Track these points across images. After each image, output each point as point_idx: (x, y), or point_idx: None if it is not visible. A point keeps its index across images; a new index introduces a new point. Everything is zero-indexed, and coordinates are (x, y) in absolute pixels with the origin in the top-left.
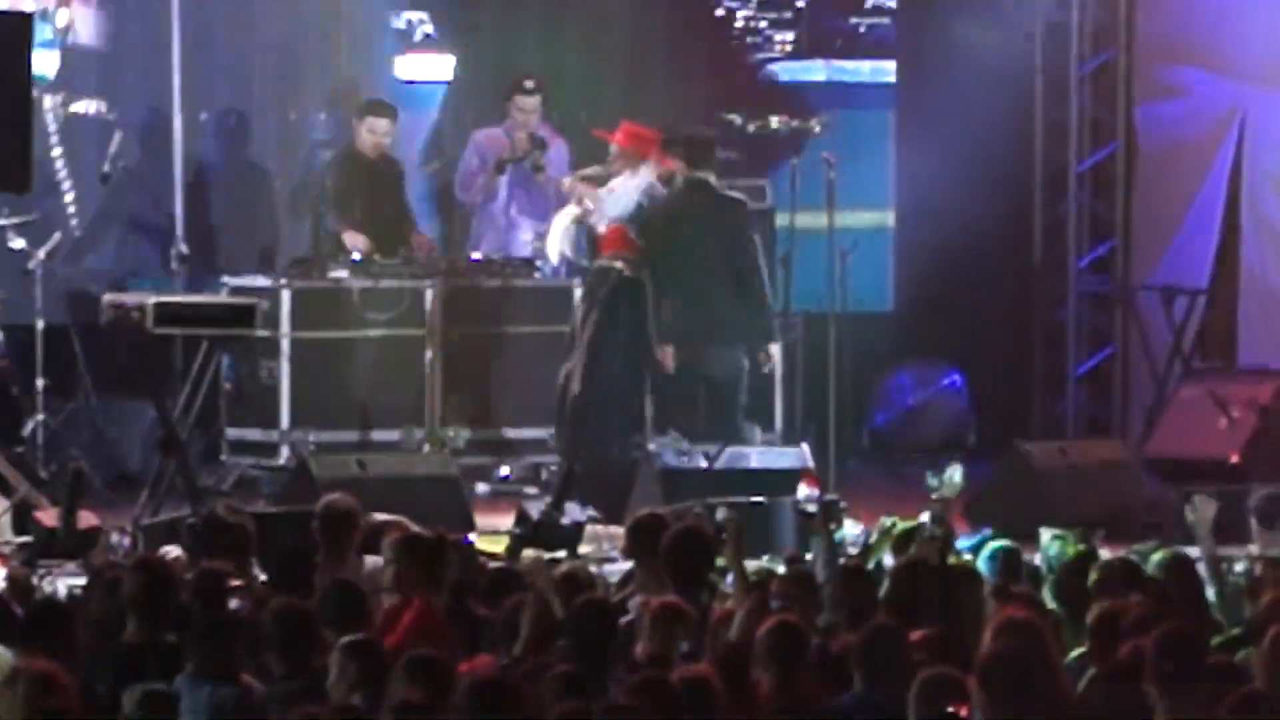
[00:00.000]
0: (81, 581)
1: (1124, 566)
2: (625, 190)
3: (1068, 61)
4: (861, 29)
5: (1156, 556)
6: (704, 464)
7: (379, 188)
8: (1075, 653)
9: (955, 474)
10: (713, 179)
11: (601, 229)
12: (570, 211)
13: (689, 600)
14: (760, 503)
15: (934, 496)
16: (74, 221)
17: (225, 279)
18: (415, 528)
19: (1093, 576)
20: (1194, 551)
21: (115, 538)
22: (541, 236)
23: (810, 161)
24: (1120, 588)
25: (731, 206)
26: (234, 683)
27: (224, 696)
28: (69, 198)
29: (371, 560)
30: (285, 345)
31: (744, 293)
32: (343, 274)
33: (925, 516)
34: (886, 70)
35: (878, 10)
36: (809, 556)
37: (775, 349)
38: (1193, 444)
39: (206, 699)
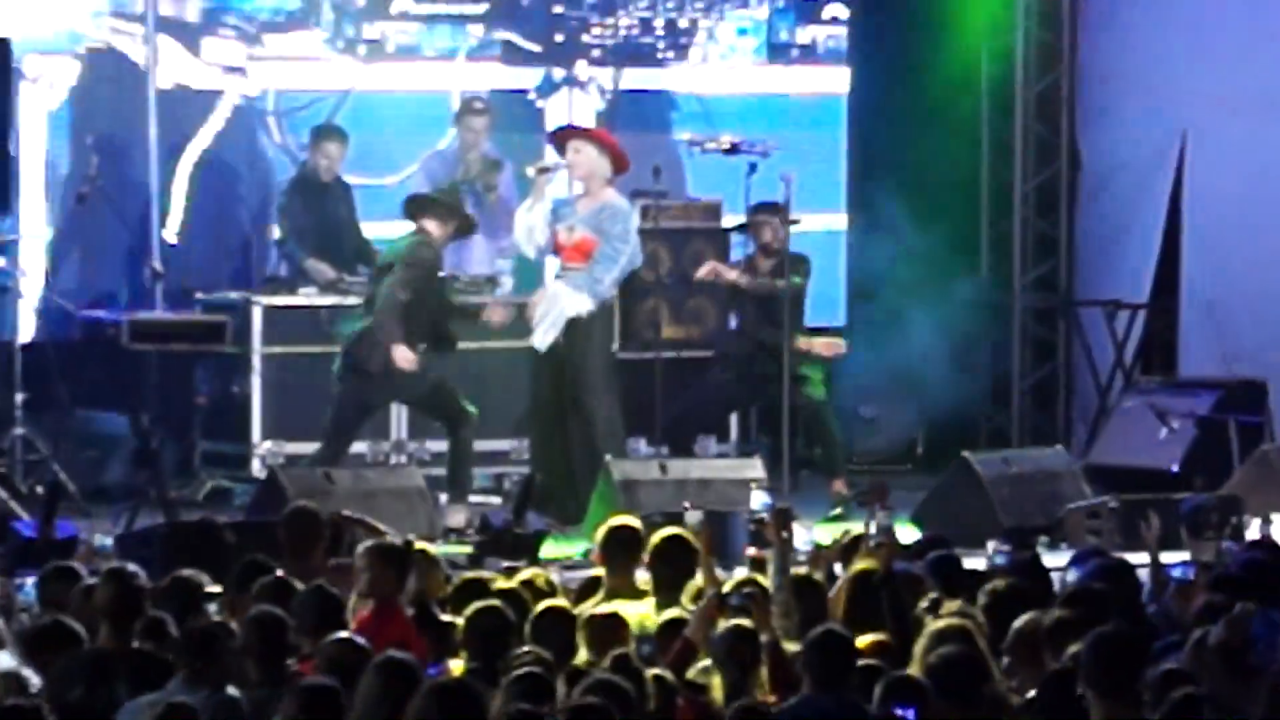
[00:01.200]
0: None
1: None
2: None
3: (1014, 84)
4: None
5: (1094, 563)
6: (660, 474)
7: (335, 210)
8: None
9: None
10: None
11: (575, 237)
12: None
13: (668, 604)
14: (716, 512)
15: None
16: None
17: (198, 295)
18: (382, 526)
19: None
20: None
21: (99, 540)
22: (504, 253)
23: (767, 180)
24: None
25: None
26: (224, 690)
27: (218, 703)
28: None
29: None
30: (256, 361)
31: None
32: (311, 291)
33: (872, 527)
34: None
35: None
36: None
37: None
38: (1134, 454)
39: (201, 705)
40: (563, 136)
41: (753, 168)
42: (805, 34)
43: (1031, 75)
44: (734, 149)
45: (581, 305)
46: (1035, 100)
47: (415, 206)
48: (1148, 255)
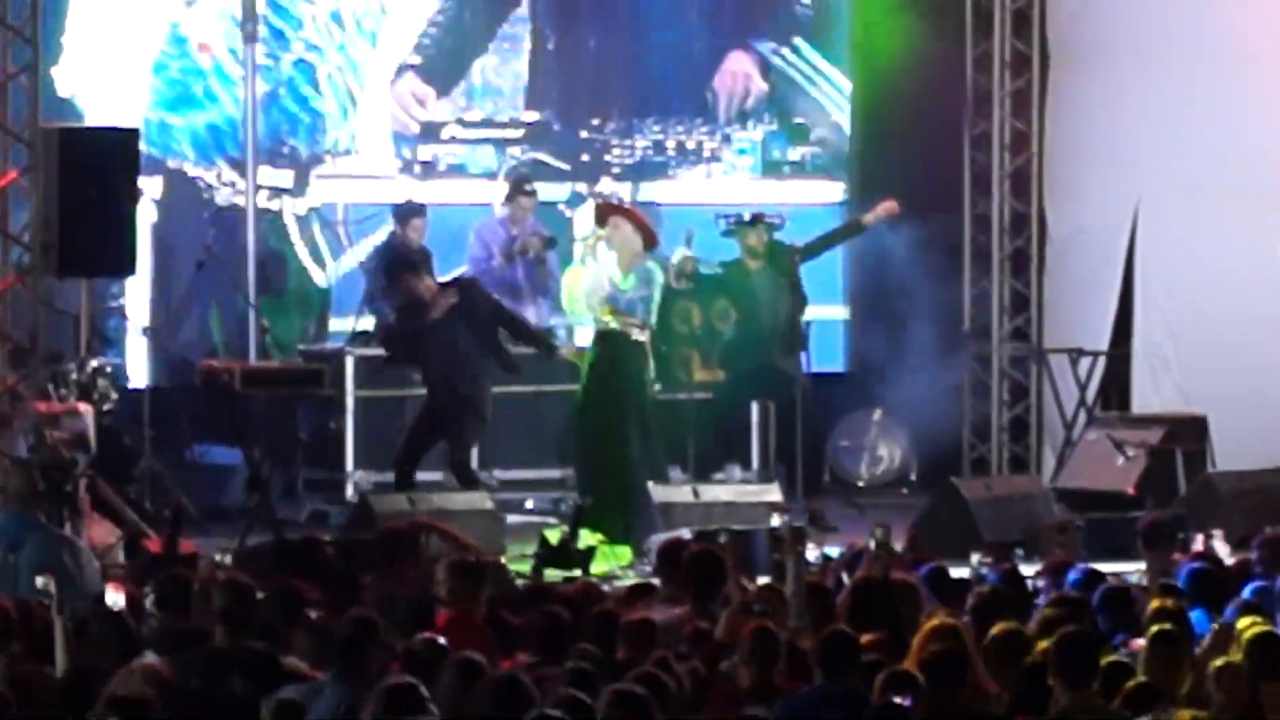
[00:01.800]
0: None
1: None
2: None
3: (990, 163)
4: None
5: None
6: (693, 498)
7: (422, 271)
8: None
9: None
10: None
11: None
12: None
13: (703, 609)
14: (741, 530)
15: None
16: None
17: (300, 347)
18: (456, 531)
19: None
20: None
21: (217, 555)
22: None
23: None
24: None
25: None
26: (366, 685)
27: (360, 697)
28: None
29: None
30: (349, 402)
31: None
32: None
33: (872, 543)
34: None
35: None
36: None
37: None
38: (1095, 478)
39: (351, 699)
40: (605, 210)
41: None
42: (795, 153)
43: (1006, 157)
44: (755, 220)
45: (643, 335)
46: (1010, 178)
47: None
48: (1106, 310)
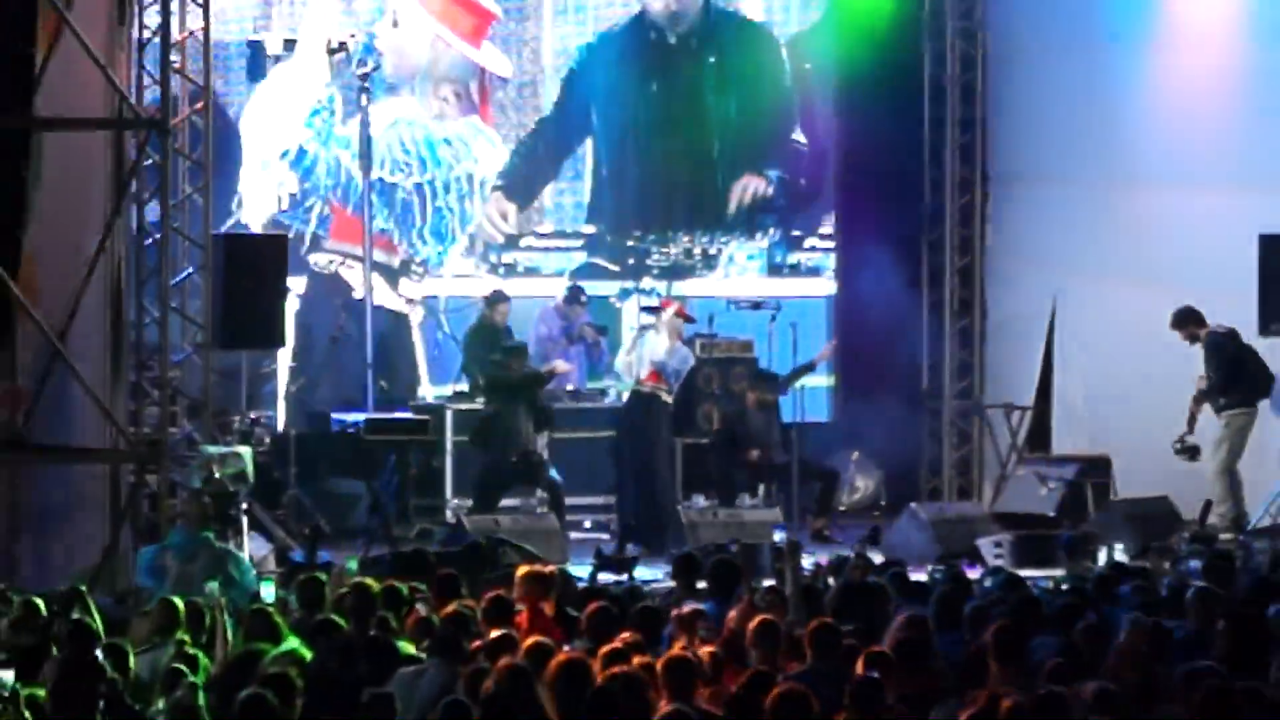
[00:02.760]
0: None
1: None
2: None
3: (943, 262)
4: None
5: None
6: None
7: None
8: None
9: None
10: None
11: (643, 372)
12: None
13: (723, 606)
14: (750, 544)
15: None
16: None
17: (410, 403)
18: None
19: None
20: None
21: (346, 563)
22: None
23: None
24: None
25: None
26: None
27: (455, 675)
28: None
29: None
30: (448, 445)
31: None
32: (482, 400)
33: (851, 553)
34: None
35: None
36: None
37: None
38: (1024, 504)
39: (448, 678)
40: (660, 305)
41: (773, 317)
42: (793, 258)
43: (955, 257)
44: (758, 305)
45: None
46: (959, 274)
47: None
48: (1031, 374)
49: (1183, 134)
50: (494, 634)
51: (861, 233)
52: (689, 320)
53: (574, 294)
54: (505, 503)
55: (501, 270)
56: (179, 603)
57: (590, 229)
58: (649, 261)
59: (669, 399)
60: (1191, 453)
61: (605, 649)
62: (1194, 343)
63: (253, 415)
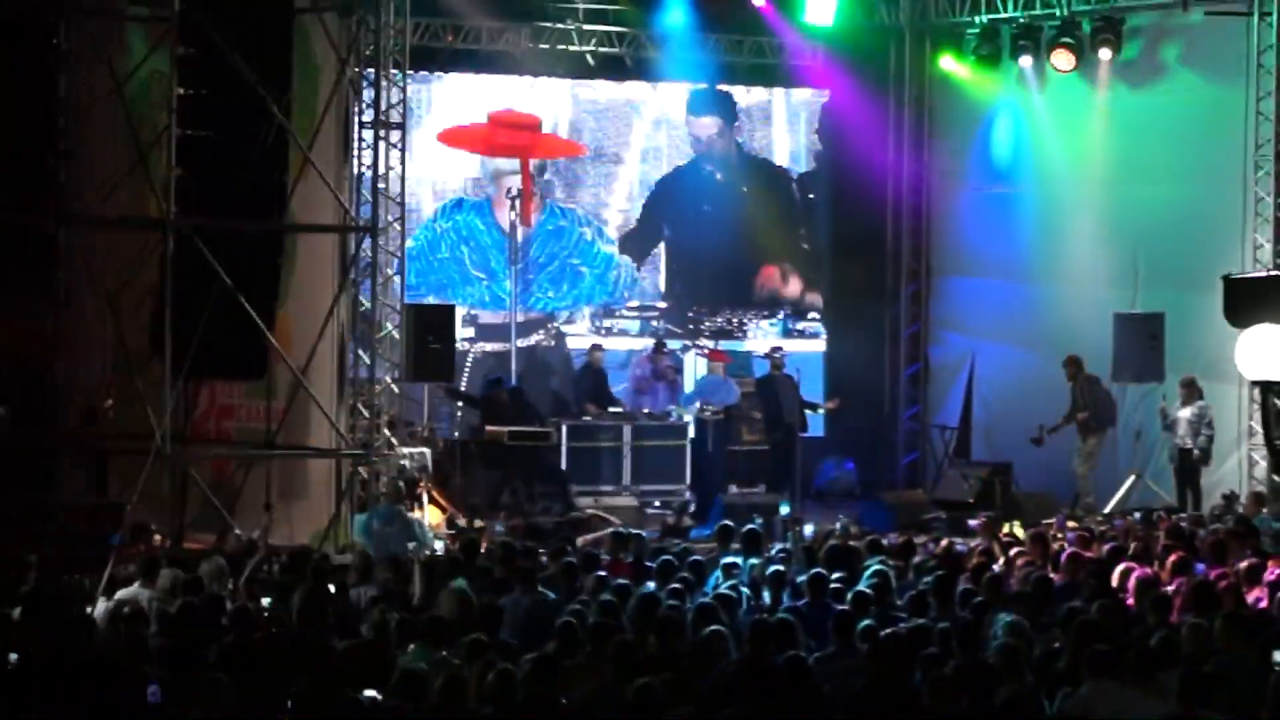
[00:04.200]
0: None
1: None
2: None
3: (900, 326)
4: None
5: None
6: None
7: (601, 383)
8: None
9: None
10: None
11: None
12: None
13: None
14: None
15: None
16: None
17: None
18: (613, 519)
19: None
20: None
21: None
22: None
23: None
24: None
25: None
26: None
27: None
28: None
29: None
30: (563, 449)
31: None
32: (587, 419)
33: (838, 525)
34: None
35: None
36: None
37: None
38: (953, 494)
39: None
40: (712, 355)
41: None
42: (800, 325)
43: (906, 324)
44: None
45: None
46: (909, 338)
47: None
48: (957, 406)
49: (1059, 247)
50: (591, 576)
51: (845, 309)
52: (729, 361)
53: (659, 346)
54: (601, 487)
55: (603, 332)
56: (372, 555)
57: (664, 304)
58: (702, 327)
59: (720, 417)
60: (1037, 442)
61: (669, 588)
62: (1072, 380)
63: (432, 426)
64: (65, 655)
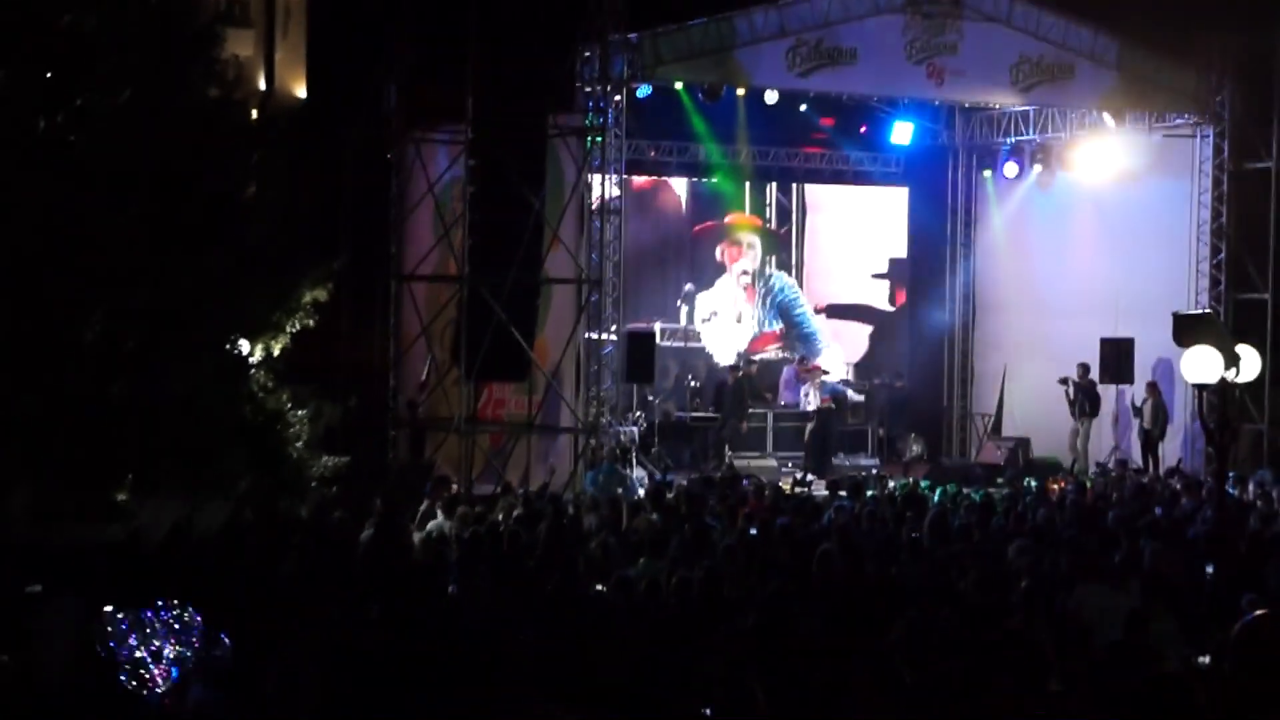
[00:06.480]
0: None
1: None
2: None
3: (955, 345)
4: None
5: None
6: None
7: (742, 390)
8: None
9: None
10: None
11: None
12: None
13: (854, 504)
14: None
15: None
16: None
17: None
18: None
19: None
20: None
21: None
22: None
23: None
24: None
25: None
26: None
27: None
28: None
29: None
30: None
31: None
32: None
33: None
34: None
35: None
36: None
37: None
38: (991, 458)
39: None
40: (813, 368)
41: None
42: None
43: (961, 344)
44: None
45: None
46: (961, 352)
47: None
48: (994, 399)
49: (1065, 290)
50: (739, 513)
51: (920, 333)
52: (825, 374)
53: (802, 361)
54: (751, 454)
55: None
56: (600, 500)
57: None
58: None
59: (833, 407)
60: (1062, 381)
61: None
62: (1082, 379)
63: (638, 413)
64: (393, 563)
